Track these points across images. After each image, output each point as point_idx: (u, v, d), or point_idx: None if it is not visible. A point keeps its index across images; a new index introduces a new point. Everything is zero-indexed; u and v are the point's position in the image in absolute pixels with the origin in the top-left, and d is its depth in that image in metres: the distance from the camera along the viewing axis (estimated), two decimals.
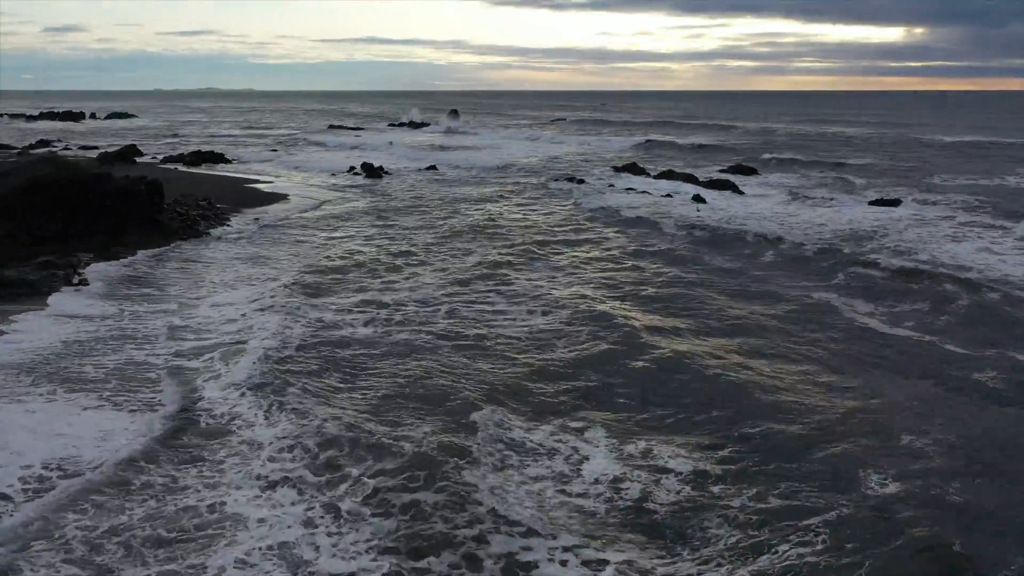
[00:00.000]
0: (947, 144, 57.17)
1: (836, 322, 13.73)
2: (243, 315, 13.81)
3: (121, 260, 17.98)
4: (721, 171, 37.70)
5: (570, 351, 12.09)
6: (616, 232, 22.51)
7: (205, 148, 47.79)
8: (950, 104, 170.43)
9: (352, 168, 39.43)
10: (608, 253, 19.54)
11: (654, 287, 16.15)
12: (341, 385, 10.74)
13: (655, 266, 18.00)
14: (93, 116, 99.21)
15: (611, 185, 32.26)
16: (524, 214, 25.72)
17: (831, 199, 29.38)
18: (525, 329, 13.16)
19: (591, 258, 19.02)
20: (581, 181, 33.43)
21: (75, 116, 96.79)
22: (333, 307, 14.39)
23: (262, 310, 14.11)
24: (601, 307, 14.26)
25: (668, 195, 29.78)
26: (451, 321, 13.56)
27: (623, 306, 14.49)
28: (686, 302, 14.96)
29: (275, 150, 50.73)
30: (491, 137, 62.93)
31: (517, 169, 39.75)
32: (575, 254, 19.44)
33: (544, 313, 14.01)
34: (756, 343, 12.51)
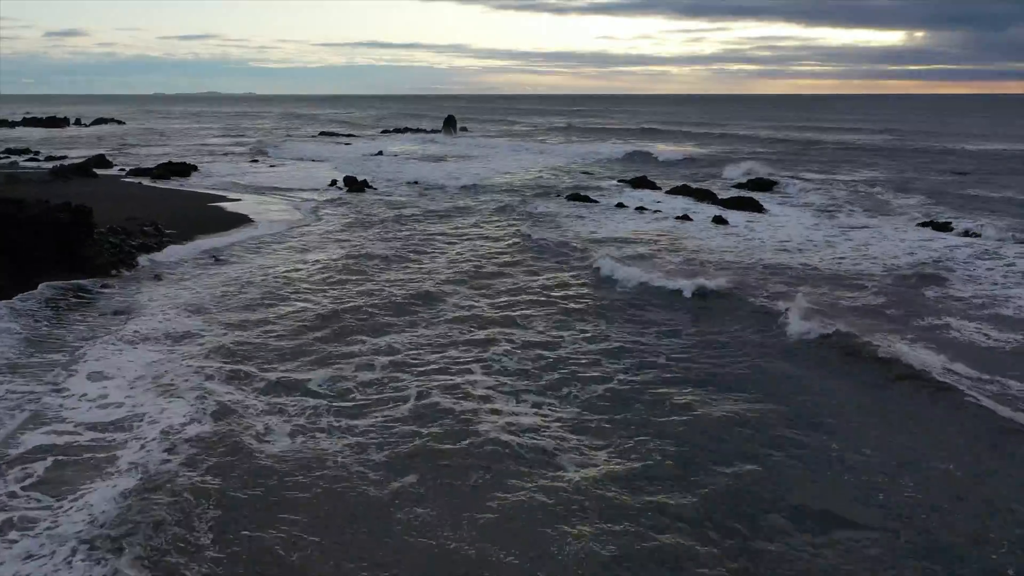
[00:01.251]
0: (973, 153, 53.82)
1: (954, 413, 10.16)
2: (138, 401, 10.32)
3: (20, 311, 14.51)
4: (738, 185, 34.32)
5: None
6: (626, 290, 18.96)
7: (178, 159, 44.41)
8: (958, 109, 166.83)
9: (334, 182, 36.02)
10: (616, 330, 15.96)
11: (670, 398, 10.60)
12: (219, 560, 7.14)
13: (672, 353, 13.67)
14: (78, 122, 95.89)
15: (620, 204, 28.73)
16: (526, 262, 22.23)
17: (868, 221, 25.86)
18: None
19: (582, 338, 15.30)
20: (587, 199, 29.93)
21: (59, 122, 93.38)
22: (256, 390, 10.89)
23: (164, 392, 10.63)
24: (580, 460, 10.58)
25: (684, 216, 26.28)
26: (414, 434, 9.96)
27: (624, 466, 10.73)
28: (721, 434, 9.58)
29: (255, 160, 47.28)
30: (488, 146, 59.43)
31: (516, 184, 36.23)
32: (561, 330, 15.85)
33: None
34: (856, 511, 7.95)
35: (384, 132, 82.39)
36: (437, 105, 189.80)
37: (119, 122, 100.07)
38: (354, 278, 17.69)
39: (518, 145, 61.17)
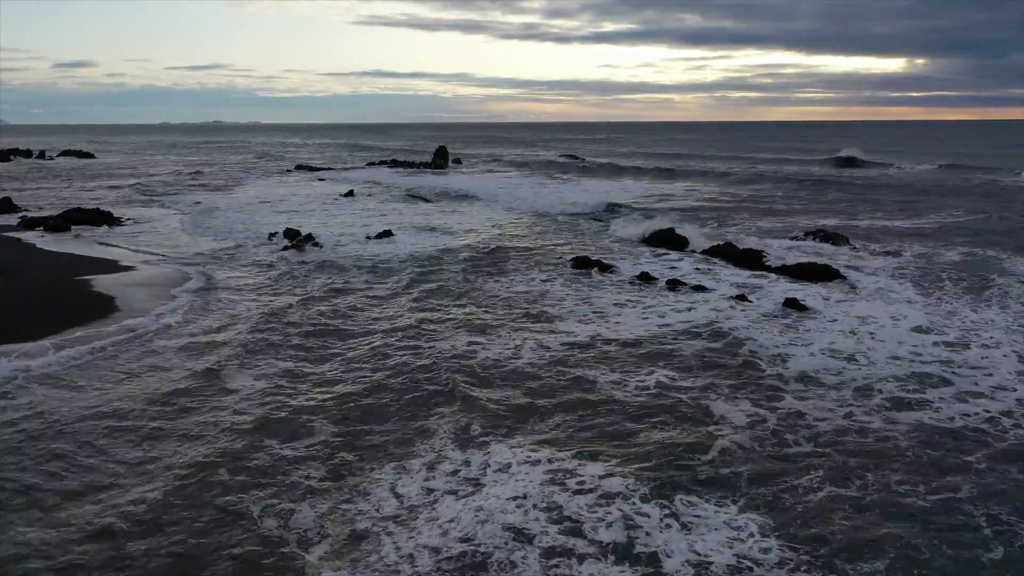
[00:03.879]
0: None
1: None
2: None
3: None
4: (795, 239, 26.46)
5: None
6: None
7: (93, 205, 36.72)
8: (976, 135, 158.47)
9: (273, 235, 28.30)
10: None
11: None
12: None
13: None
14: (42, 155, 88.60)
15: (644, 276, 20.72)
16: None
17: (1012, 305, 17.85)
18: None
19: None
20: (599, 264, 21.99)
21: (20, 155, 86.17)
22: None
23: None
24: None
25: (740, 296, 18.38)
26: None
27: None
28: None
29: (198, 203, 39.58)
30: (475, 189, 51.15)
31: (507, 245, 28.27)
32: None
33: None
34: None
35: (369, 164, 74.95)
36: (437, 134, 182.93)
37: (88, 155, 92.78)
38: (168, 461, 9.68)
39: (512, 184, 53.27)
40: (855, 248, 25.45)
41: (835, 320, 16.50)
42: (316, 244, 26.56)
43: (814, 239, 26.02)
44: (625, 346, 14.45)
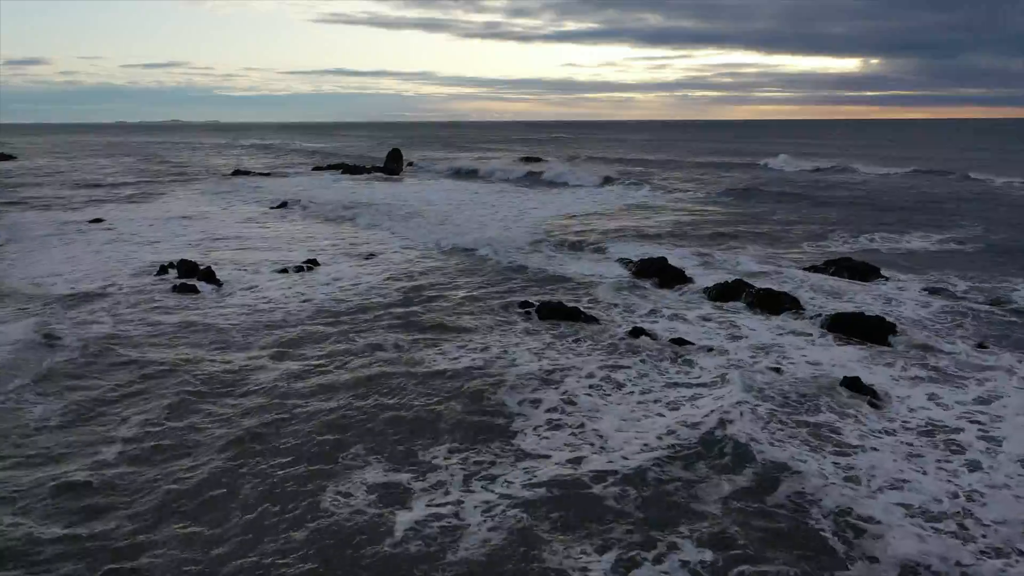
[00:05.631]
0: None
1: None
2: None
3: None
4: (810, 269, 21.55)
5: None
6: None
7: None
8: (937, 135, 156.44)
9: (167, 267, 22.59)
10: None
11: None
12: None
13: None
14: None
15: (637, 330, 15.42)
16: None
17: None
18: None
19: None
20: (576, 315, 16.63)
21: None
22: None
23: None
24: None
25: (774, 370, 13.27)
26: None
27: None
28: None
29: (98, 220, 33.47)
30: (428, 196, 45.78)
31: (455, 280, 22.91)
32: None
33: None
34: None
35: (316, 169, 68.78)
36: (397, 133, 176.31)
37: (9, 157, 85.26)
38: None
39: (468, 194, 47.84)
40: (887, 279, 20.57)
41: (909, 424, 11.33)
42: (213, 282, 20.91)
43: (837, 271, 21.02)
44: (624, 485, 9.13)
